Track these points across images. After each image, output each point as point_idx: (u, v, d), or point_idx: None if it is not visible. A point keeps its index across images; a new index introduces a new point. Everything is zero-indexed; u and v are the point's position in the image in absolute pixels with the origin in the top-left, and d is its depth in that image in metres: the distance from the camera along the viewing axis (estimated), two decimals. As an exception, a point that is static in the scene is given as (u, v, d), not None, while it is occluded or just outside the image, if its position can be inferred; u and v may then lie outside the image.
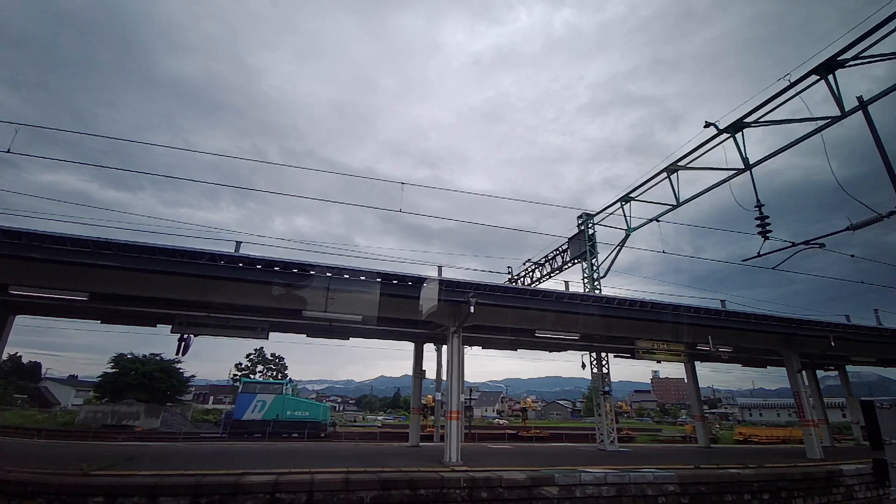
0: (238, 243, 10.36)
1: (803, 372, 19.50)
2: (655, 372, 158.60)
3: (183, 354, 13.14)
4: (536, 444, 22.42)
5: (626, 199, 15.43)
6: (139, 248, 8.34)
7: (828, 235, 9.27)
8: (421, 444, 14.76)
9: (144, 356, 40.94)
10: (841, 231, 8.99)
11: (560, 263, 18.80)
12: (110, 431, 31.47)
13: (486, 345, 15.16)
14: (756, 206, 10.57)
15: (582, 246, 17.03)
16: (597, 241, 16.91)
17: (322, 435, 30.95)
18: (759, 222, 10.44)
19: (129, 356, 40.42)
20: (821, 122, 9.80)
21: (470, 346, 15.07)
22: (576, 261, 17.48)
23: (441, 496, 8.18)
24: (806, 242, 9.69)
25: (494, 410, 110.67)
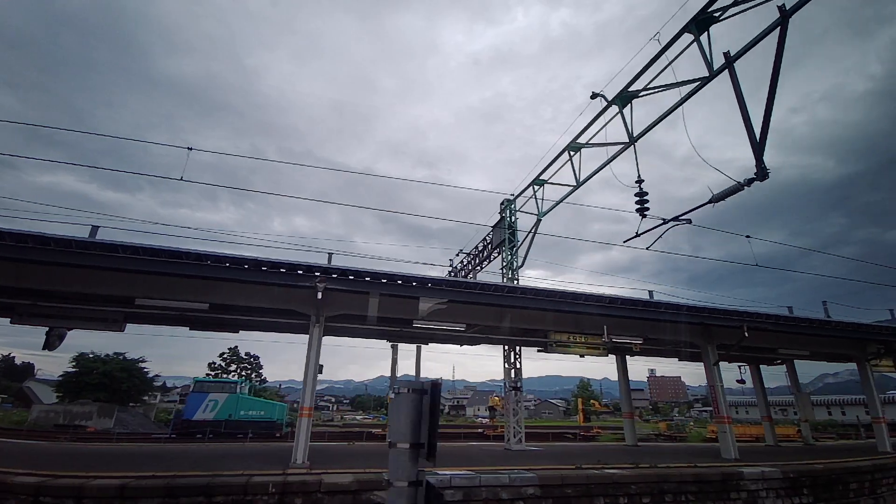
0: (94, 227, 9.56)
1: (751, 367, 18.55)
2: (652, 370, 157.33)
3: (50, 349, 12.34)
4: (464, 442, 21.52)
5: (537, 182, 14.49)
6: None
7: (693, 210, 8.34)
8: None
9: (107, 355, 40.30)
10: (703, 204, 8.05)
11: (486, 254, 17.90)
12: (58, 431, 30.95)
13: (355, 335, 14.18)
14: (637, 182, 9.66)
15: (502, 234, 16.11)
16: (517, 228, 15.98)
17: (277, 435, 30.20)
18: (637, 199, 9.52)
19: (90, 355, 39.78)
20: (692, 86, 8.83)
21: (337, 336, 14.14)
22: (498, 250, 16.56)
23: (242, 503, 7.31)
24: (675, 218, 8.77)
25: (487, 409, 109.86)
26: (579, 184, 12.53)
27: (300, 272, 9.18)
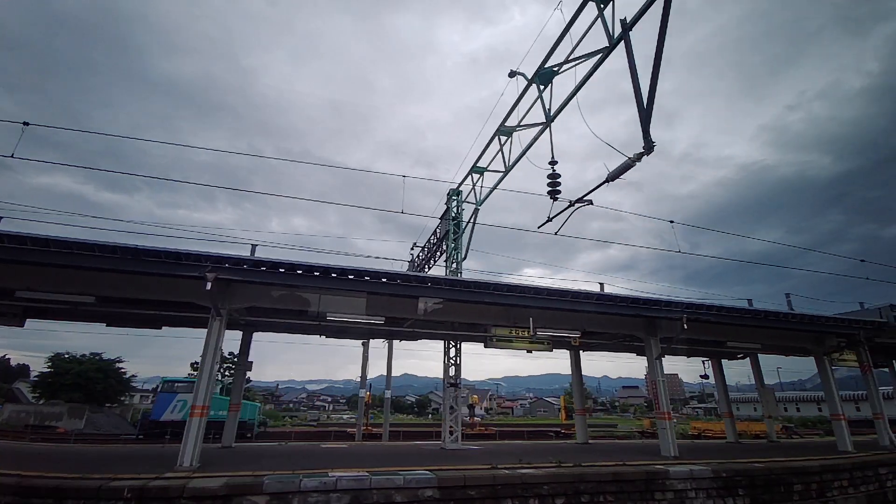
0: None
1: (713, 362, 17.91)
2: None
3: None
4: (423, 441, 20.98)
5: (476, 169, 13.89)
6: None
7: (593, 190, 7.75)
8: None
9: (83, 356, 39.88)
10: (601, 184, 7.46)
11: (437, 247, 17.32)
12: (27, 431, 30.66)
13: (269, 329, 13.64)
14: (550, 163, 9.07)
15: (447, 225, 15.53)
16: (462, 219, 15.38)
17: (248, 435, 29.77)
18: (549, 181, 8.93)
19: (65, 356, 39.39)
20: (596, 59, 8.22)
21: (247, 330, 13.57)
22: (444, 242, 15.98)
23: (92, 509, 6.76)
24: (579, 199, 8.17)
25: (483, 408, 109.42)
26: (507, 169, 11.92)
27: (185, 261, 8.61)
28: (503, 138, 12.10)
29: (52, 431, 31.86)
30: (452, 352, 14.02)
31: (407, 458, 11.04)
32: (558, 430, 38.50)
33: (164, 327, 13.01)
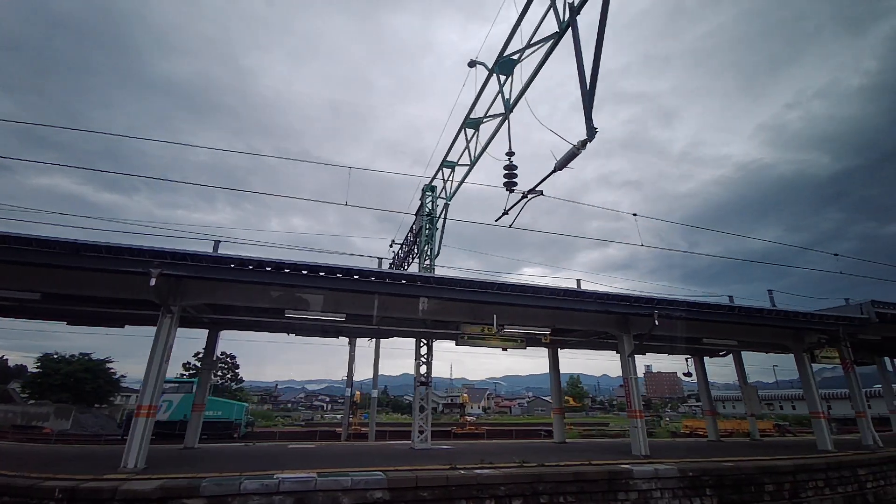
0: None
1: (695, 359, 17.64)
2: (648, 367, 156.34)
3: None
4: (399, 440, 20.77)
5: (446, 164, 13.61)
6: None
7: (543, 180, 7.48)
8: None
9: (72, 356, 39.72)
10: (550, 174, 7.19)
11: (413, 244, 17.05)
12: (15, 431, 30.62)
13: (236, 327, 13.36)
14: (507, 155, 8.81)
15: (421, 221, 15.26)
16: (436, 215, 15.10)
17: (234, 436, 29.59)
18: (505, 172, 8.66)
19: (54, 356, 39.23)
20: (548, 45, 7.94)
21: (212, 329, 13.29)
22: (418, 239, 15.72)
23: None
24: (531, 191, 7.90)
25: (480, 407, 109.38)
26: (473, 162, 11.65)
27: (127, 257, 8.35)
28: (470, 131, 11.82)
29: (38, 431, 31.75)
30: (424, 350, 13.74)
31: (370, 458, 10.77)
32: (550, 429, 38.32)
33: (127, 326, 12.76)
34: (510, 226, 8.63)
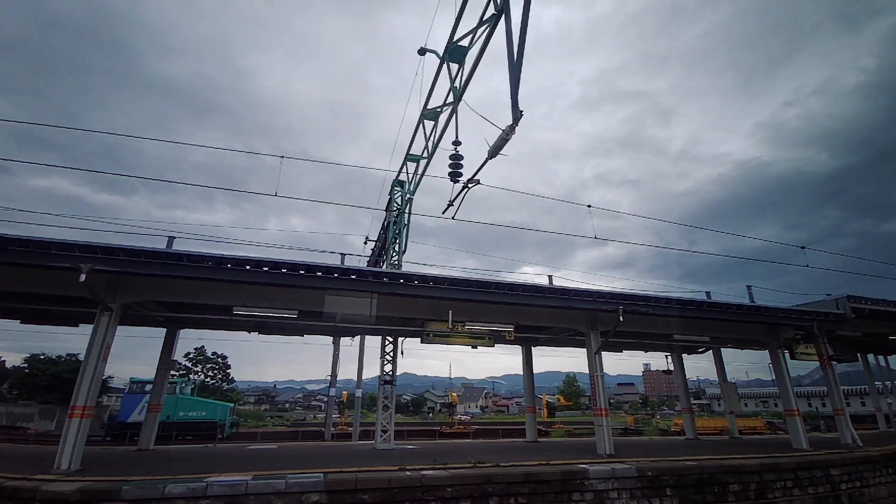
0: None
1: (674, 357, 17.29)
2: (647, 365, 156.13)
3: None
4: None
5: (411, 158, 13.30)
6: None
7: (480, 168, 7.17)
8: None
9: (59, 356, 39.46)
10: (486, 161, 6.87)
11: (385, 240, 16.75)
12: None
13: (194, 326, 13.08)
14: (453, 143, 8.49)
15: (389, 216, 14.96)
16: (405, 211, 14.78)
17: (219, 436, 29.33)
18: (451, 162, 8.35)
19: (41, 356, 38.99)
20: (488, 28, 7.62)
21: (170, 327, 12.98)
22: (387, 234, 15.41)
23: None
24: (470, 180, 7.60)
25: (478, 406, 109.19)
26: (430, 154, 11.33)
27: (56, 251, 8.05)
28: (430, 123, 11.51)
29: (22, 432, 31.59)
30: (389, 348, 13.44)
31: (323, 460, 10.48)
32: (538, 427, 38.05)
33: (81, 325, 12.47)
34: (453, 217, 8.31)
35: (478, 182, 7.39)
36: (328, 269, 9.37)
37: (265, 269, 9.07)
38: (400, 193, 15.00)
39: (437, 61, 9.62)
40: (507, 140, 6.22)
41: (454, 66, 9.13)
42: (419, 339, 13.67)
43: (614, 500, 9.31)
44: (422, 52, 9.66)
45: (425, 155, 12.60)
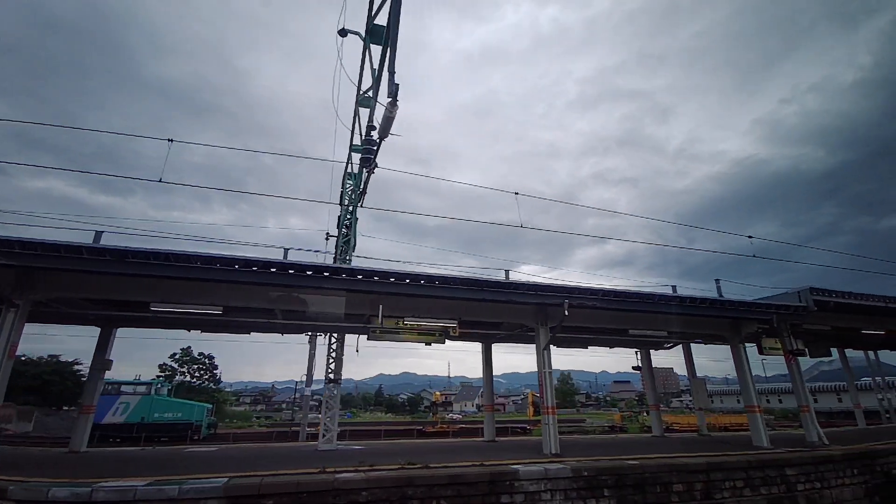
0: None
1: (642, 352, 16.80)
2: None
3: None
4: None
5: (355, 148, 12.84)
6: None
7: (377, 152, 6.71)
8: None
9: (40, 358, 39.18)
10: (379, 144, 6.42)
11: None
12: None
13: (130, 324, 12.67)
14: (368, 128, 8.04)
15: (341, 210, 14.51)
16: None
17: (195, 437, 28.97)
18: (364, 147, 7.91)
19: (22, 357, 38.68)
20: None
21: (105, 326, 12.57)
22: (339, 228, 14.97)
23: None
24: (370, 166, 7.14)
25: (473, 405, 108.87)
26: (363, 144, 10.87)
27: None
28: (365, 111, 11.04)
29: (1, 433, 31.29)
30: (335, 345, 13.01)
31: (250, 463, 10.03)
32: (525, 425, 37.65)
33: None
34: (360, 205, 7.87)
35: (376, 165, 6.94)
36: (247, 262, 8.93)
37: (180, 263, 8.64)
38: (352, 186, 14.55)
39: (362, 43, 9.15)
40: (391, 118, 5.79)
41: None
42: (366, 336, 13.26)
43: (547, 501, 8.87)
44: (342, 33, 9.15)
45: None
